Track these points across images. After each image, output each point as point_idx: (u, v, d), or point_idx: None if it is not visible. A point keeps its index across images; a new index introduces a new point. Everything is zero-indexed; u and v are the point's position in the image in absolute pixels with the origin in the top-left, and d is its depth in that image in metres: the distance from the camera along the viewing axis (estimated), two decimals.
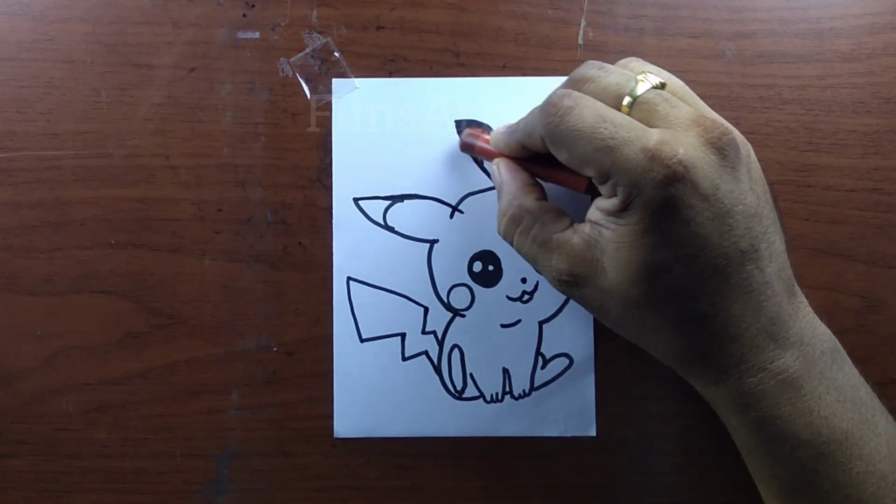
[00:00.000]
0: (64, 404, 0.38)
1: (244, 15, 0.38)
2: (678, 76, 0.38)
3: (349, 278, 0.38)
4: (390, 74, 0.38)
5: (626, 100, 0.29)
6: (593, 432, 0.37)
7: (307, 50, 0.38)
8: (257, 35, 0.38)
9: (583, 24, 0.38)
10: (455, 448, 0.38)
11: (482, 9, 0.38)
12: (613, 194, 0.29)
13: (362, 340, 0.38)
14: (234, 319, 0.38)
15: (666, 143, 0.27)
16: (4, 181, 0.38)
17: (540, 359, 0.38)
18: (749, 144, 0.31)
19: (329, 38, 0.38)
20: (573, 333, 0.38)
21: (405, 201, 0.38)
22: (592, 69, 0.31)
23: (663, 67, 0.38)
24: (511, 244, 0.33)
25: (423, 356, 0.38)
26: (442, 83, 0.38)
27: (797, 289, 0.31)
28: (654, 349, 0.32)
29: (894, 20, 0.38)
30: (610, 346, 0.37)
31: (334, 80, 0.38)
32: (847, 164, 0.38)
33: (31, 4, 0.38)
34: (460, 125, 0.38)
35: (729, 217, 0.28)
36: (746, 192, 0.29)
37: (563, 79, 0.38)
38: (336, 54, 0.38)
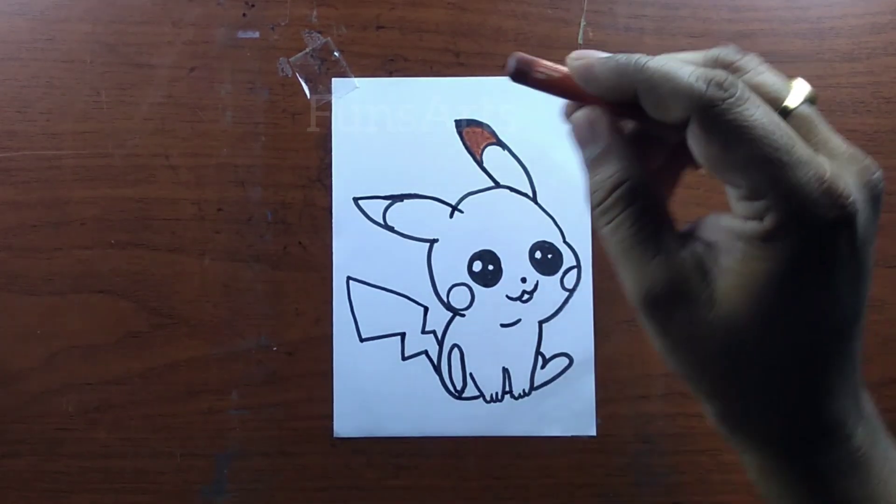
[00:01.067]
0: (64, 404, 0.38)
1: (244, 15, 0.38)
2: None
3: (349, 278, 0.38)
4: (390, 74, 0.38)
5: (791, 103, 0.25)
6: (593, 432, 0.37)
7: (307, 50, 0.38)
8: (257, 35, 0.38)
9: (583, 23, 0.38)
10: (455, 448, 0.38)
11: (482, 9, 0.38)
12: (757, 217, 0.24)
13: (362, 340, 0.38)
14: (234, 319, 0.38)
15: (840, 177, 0.23)
16: (4, 181, 0.38)
17: (540, 358, 0.38)
18: None
19: (329, 38, 0.38)
20: (573, 333, 0.38)
21: (405, 201, 0.38)
22: (739, 55, 0.25)
23: None
24: (604, 224, 0.26)
25: (423, 356, 0.38)
26: (442, 83, 0.38)
27: None
28: (725, 404, 0.26)
29: (894, 20, 0.38)
30: (610, 346, 0.37)
31: (334, 79, 0.38)
32: None
33: (31, 4, 0.38)
34: (460, 125, 0.38)
35: (863, 275, 0.25)
36: (872, 253, 0.25)
37: None
38: (336, 54, 0.38)
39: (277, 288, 0.38)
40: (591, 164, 0.26)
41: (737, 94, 0.23)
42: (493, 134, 0.38)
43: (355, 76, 0.38)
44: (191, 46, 0.38)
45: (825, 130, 0.24)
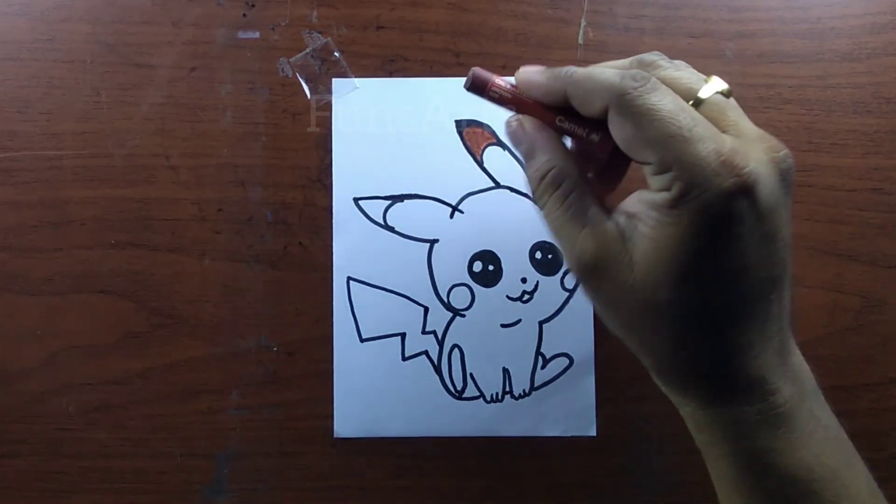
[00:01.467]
0: (64, 404, 0.38)
1: (244, 15, 0.38)
2: None
3: (349, 278, 0.38)
4: (390, 74, 0.38)
5: (703, 94, 0.28)
6: (593, 432, 0.37)
7: (307, 50, 0.38)
8: (257, 35, 0.38)
9: (583, 24, 0.38)
10: (455, 448, 0.38)
11: (482, 9, 0.38)
12: (666, 188, 0.27)
13: (362, 340, 0.38)
14: (234, 319, 0.38)
15: (738, 152, 0.26)
16: (4, 181, 0.38)
17: (540, 359, 0.38)
18: None
19: (329, 38, 0.38)
20: (573, 333, 0.38)
21: (405, 201, 0.38)
22: (661, 59, 0.30)
23: None
24: (541, 208, 0.30)
25: (424, 356, 0.38)
26: (442, 83, 0.38)
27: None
28: (654, 359, 0.30)
29: (894, 20, 0.38)
30: (610, 346, 0.37)
31: (334, 79, 0.38)
32: (847, 163, 0.37)
33: (31, 4, 0.38)
34: (460, 125, 0.38)
35: (774, 242, 0.27)
36: (788, 219, 0.28)
37: None
38: (336, 54, 0.38)
39: (277, 288, 0.38)
40: (525, 159, 0.30)
41: (647, 85, 0.27)
42: (494, 134, 0.38)
43: (355, 76, 0.38)
44: (191, 46, 0.38)
45: (737, 116, 0.28)
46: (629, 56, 0.39)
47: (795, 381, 0.29)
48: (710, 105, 0.28)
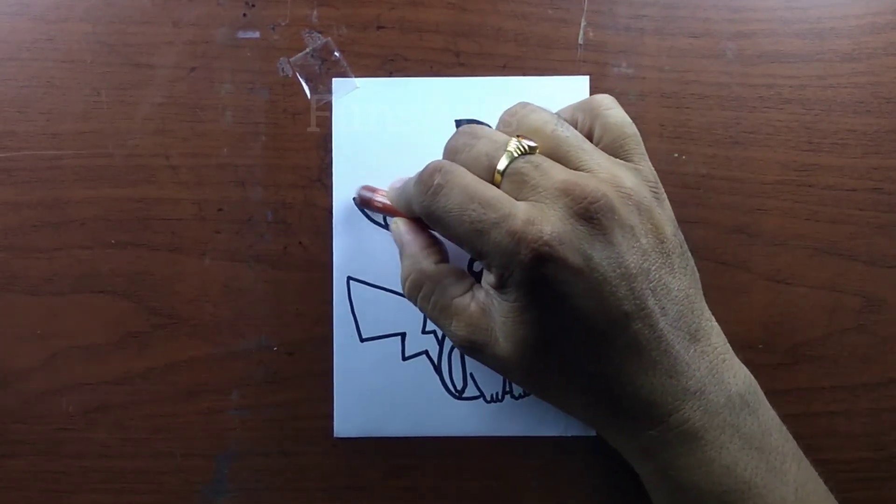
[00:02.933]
0: (64, 404, 0.38)
1: (244, 15, 0.38)
2: (678, 76, 0.38)
3: (349, 278, 0.38)
4: (390, 74, 0.38)
5: (500, 166, 0.29)
6: (593, 432, 0.37)
7: (307, 50, 0.38)
8: (257, 35, 0.38)
9: (583, 24, 0.38)
10: (455, 448, 0.38)
11: (482, 9, 0.38)
12: (489, 272, 0.29)
13: (362, 340, 0.38)
14: (235, 319, 0.38)
15: (532, 222, 0.27)
16: (4, 181, 0.38)
17: None
18: (644, 190, 0.30)
19: (329, 38, 0.38)
20: None
21: None
22: (462, 138, 0.31)
23: (663, 67, 0.38)
24: (416, 306, 0.33)
25: (424, 356, 0.38)
26: (442, 83, 0.38)
27: (704, 332, 0.30)
28: (561, 408, 0.33)
29: (894, 20, 0.38)
30: None
31: (334, 79, 0.38)
32: (847, 163, 0.38)
33: (31, 4, 0.38)
34: (460, 125, 0.38)
35: (606, 284, 0.28)
36: (626, 253, 0.28)
37: (563, 78, 0.38)
38: (336, 54, 0.38)
39: (278, 288, 0.38)
40: (399, 257, 0.34)
41: (431, 190, 0.29)
42: None
43: (355, 76, 0.38)
44: (191, 46, 0.38)
45: (535, 178, 0.29)
46: (629, 56, 0.39)
47: (703, 394, 0.29)
48: (510, 174, 0.29)
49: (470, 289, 0.32)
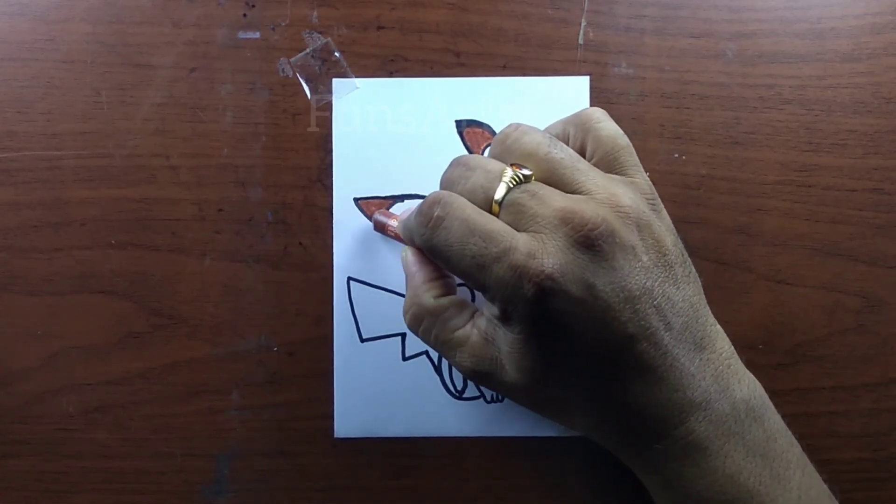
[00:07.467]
0: (64, 404, 0.38)
1: (244, 15, 0.38)
2: (678, 76, 0.38)
3: (349, 278, 0.38)
4: (390, 74, 0.38)
5: (497, 197, 0.29)
6: None
7: (307, 50, 0.38)
8: (258, 35, 0.38)
9: (583, 24, 0.38)
10: (455, 448, 0.38)
11: (482, 9, 0.38)
12: (492, 305, 0.29)
13: (362, 340, 0.38)
14: (235, 319, 0.38)
15: (533, 256, 0.27)
16: (4, 181, 0.38)
17: None
18: (642, 205, 0.30)
19: (329, 38, 0.38)
20: None
21: (405, 201, 0.38)
22: (457, 170, 0.31)
23: (663, 67, 0.38)
24: (418, 338, 0.33)
25: (424, 356, 0.38)
26: (442, 83, 0.38)
27: (709, 339, 0.30)
28: (567, 426, 0.34)
29: (894, 20, 0.38)
30: None
31: (334, 80, 0.38)
32: (847, 164, 0.38)
33: (31, 4, 0.38)
34: (460, 125, 0.38)
35: (610, 311, 0.28)
36: (628, 275, 0.28)
37: (563, 79, 0.38)
38: (336, 54, 0.38)
39: (278, 288, 0.38)
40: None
41: (431, 223, 0.29)
42: (494, 134, 0.38)
43: (355, 76, 0.38)
44: (191, 47, 0.38)
45: (533, 208, 0.28)
46: (629, 56, 0.39)
47: (708, 405, 0.29)
48: (508, 206, 0.29)
49: (471, 319, 0.32)
